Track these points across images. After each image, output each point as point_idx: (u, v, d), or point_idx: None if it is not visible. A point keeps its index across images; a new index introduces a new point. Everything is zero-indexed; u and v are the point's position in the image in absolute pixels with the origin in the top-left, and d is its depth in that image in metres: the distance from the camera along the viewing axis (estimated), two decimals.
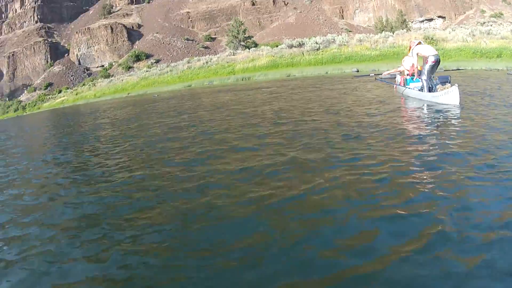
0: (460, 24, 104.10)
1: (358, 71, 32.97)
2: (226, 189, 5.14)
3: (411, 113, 11.15)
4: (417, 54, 13.12)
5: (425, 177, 5.21)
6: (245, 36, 73.63)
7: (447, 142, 6.71)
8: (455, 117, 9.26)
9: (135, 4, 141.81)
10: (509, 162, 5.21)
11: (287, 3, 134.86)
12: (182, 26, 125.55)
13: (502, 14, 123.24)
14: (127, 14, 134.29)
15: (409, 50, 13.49)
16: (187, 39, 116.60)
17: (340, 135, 7.67)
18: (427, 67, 12.61)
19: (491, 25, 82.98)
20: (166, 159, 7.35)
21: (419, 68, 14.07)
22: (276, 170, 5.68)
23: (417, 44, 13.10)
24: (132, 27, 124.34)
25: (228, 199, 4.80)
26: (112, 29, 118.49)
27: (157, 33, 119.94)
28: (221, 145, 7.69)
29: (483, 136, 6.88)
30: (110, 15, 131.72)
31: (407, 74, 15.29)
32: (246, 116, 11.94)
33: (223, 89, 28.98)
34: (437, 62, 12.74)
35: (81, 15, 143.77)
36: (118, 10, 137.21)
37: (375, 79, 20.61)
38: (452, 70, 22.86)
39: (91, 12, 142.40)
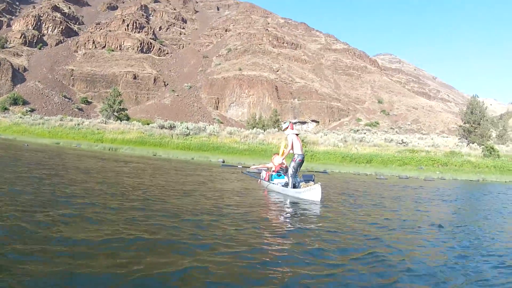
0: (333, 129, 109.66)
1: (224, 161, 33.73)
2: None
3: (272, 203, 11.83)
4: (285, 144, 14.47)
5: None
6: (120, 107, 73.11)
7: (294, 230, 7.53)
8: (313, 212, 10.13)
9: (28, 46, 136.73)
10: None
11: (167, 84, 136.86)
12: (63, 82, 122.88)
13: (378, 123, 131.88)
14: (17, 54, 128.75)
15: (286, 128, 14.23)
16: (65, 96, 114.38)
17: (201, 214, 8.13)
18: (293, 164, 13.54)
19: (365, 133, 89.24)
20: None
21: (284, 165, 15.61)
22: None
23: (294, 132, 13.97)
24: (18, 68, 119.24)
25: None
26: (0, 64, 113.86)
27: (39, 81, 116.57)
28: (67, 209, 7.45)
29: (334, 233, 7.46)
30: (2, 50, 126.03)
31: (273, 171, 15.92)
32: (105, 186, 11.74)
33: (90, 155, 28.43)
34: (302, 161, 13.80)
35: None
36: (11, 47, 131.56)
37: (242, 172, 20.90)
38: (319, 172, 23.93)
39: None
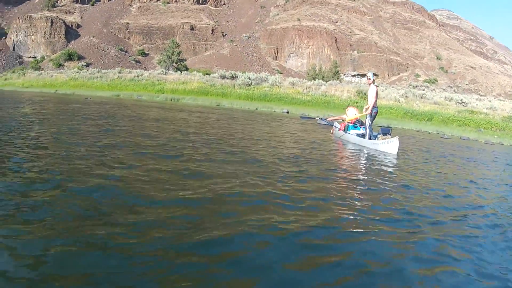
0: (392, 84, 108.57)
1: (288, 112, 33.73)
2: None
3: (352, 153, 12.02)
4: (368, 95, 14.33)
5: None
6: (178, 58, 72.96)
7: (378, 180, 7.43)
8: (392, 162, 10.28)
9: (80, 3, 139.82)
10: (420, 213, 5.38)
11: (225, 34, 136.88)
12: (119, 36, 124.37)
13: (436, 80, 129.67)
14: (69, 11, 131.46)
15: (368, 84, 14.36)
16: (121, 50, 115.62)
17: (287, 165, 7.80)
18: (370, 118, 13.79)
19: (424, 90, 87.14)
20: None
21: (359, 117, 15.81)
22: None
23: (376, 85, 14.20)
24: (72, 25, 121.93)
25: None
26: (52, 22, 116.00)
27: (93, 37, 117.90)
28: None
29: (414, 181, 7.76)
30: (54, 9, 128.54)
31: (348, 122, 16.08)
32: (204, 136, 11.55)
33: (155, 105, 28.76)
34: (376, 114, 14.17)
35: (26, 1, 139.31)
36: (62, 6, 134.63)
37: (317, 122, 21.90)
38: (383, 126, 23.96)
39: (36, 0, 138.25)
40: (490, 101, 64.76)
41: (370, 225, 4.52)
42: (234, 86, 45.74)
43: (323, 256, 3.55)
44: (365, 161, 10.35)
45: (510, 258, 4.10)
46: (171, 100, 39.54)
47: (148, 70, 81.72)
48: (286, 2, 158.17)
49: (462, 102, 49.81)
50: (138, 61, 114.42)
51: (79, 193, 4.44)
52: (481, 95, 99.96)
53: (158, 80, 50.34)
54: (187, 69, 72.96)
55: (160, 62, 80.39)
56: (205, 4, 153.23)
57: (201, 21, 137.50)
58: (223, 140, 10.85)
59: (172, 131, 11.68)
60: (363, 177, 7.74)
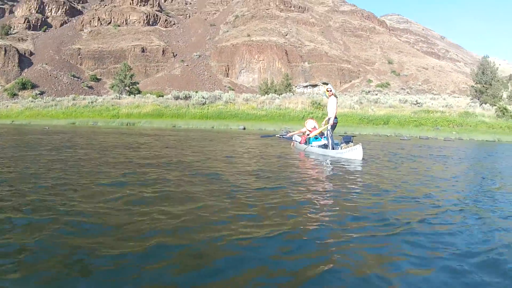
0: (344, 91, 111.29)
1: (244, 128, 34.11)
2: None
3: (317, 163, 12.11)
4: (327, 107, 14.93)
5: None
6: (131, 81, 72.91)
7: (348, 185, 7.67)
8: (359, 168, 10.55)
9: (32, 30, 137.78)
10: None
11: (176, 54, 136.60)
12: (71, 62, 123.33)
13: (389, 84, 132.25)
14: (22, 39, 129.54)
15: (329, 95, 14.84)
16: (74, 76, 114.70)
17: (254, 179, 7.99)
18: (330, 127, 14.40)
19: (376, 94, 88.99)
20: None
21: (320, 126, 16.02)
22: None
23: (333, 95, 14.79)
24: (24, 53, 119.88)
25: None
26: (6, 51, 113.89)
27: (46, 64, 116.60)
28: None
29: (384, 181, 8.22)
30: (7, 37, 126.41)
31: (308, 135, 16.34)
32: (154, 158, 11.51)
33: (113, 131, 28.25)
34: (336, 124, 14.82)
35: None
36: (15, 33, 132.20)
37: (278, 137, 22.19)
38: (343, 135, 24.47)
39: None
40: (444, 99, 66.73)
41: (343, 232, 4.55)
42: (188, 106, 46.06)
43: (299, 268, 3.47)
44: (333, 170, 10.56)
45: (485, 254, 4.12)
46: (127, 125, 39.52)
47: (101, 95, 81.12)
48: (236, 18, 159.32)
49: (417, 103, 51.34)
50: (91, 87, 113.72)
51: (56, 230, 4.30)
52: (435, 94, 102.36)
53: (112, 105, 50.37)
54: (139, 92, 72.77)
55: (113, 87, 79.93)
56: (155, 25, 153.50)
57: (151, 42, 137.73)
58: (187, 161, 10.95)
59: (134, 157, 11.64)
60: (333, 185, 7.92)
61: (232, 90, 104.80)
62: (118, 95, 61.46)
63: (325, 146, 14.91)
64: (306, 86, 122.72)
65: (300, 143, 16.84)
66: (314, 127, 16.54)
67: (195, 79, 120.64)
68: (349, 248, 4.04)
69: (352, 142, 14.24)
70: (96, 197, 5.79)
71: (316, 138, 15.91)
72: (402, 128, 36.12)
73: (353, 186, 7.60)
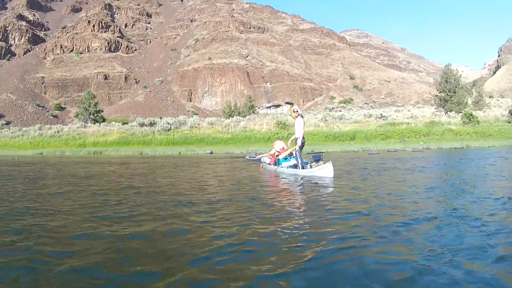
0: (308, 109, 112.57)
1: (211, 152, 33.82)
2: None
3: (289, 183, 12.35)
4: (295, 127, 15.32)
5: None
6: (96, 109, 72.83)
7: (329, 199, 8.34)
8: (331, 185, 10.90)
9: None
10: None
11: (138, 81, 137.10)
12: (35, 91, 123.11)
13: (352, 99, 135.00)
14: None
15: (295, 116, 15.31)
16: (38, 105, 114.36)
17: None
18: (298, 148, 14.78)
19: (340, 110, 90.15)
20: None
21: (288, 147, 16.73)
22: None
23: (299, 116, 15.22)
24: None
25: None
26: None
27: (11, 93, 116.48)
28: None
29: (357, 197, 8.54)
30: None
31: (276, 156, 16.95)
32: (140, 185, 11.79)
33: (82, 161, 27.76)
34: (304, 144, 15.21)
35: None
36: None
37: (247, 159, 22.65)
38: (313, 153, 23.83)
39: None
40: (409, 110, 67.52)
41: (323, 251, 4.65)
42: (154, 132, 45.99)
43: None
44: (306, 188, 10.80)
45: (455, 258, 4.33)
46: (94, 153, 38.99)
47: (66, 124, 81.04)
48: (196, 42, 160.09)
49: (382, 116, 51.78)
50: (56, 116, 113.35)
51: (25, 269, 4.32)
52: (399, 106, 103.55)
53: (78, 134, 50.07)
54: (104, 120, 72.29)
55: (77, 115, 78.83)
56: (117, 51, 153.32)
57: (114, 69, 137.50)
58: (161, 189, 10.98)
59: (106, 189, 11.40)
60: (308, 203, 8.29)
61: (196, 114, 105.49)
62: (83, 123, 61.61)
63: (295, 166, 15.24)
64: (269, 107, 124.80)
65: (269, 164, 17.33)
66: (283, 148, 17.01)
67: (159, 105, 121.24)
68: (330, 259, 4.32)
69: (322, 160, 14.83)
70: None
71: (285, 158, 16.32)
72: (369, 143, 35.85)
73: (326, 204, 7.85)
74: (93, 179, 14.61)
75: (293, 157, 15.81)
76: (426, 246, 4.77)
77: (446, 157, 23.25)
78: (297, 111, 15.37)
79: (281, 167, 15.93)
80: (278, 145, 17.33)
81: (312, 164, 14.68)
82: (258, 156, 20.65)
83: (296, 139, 15.02)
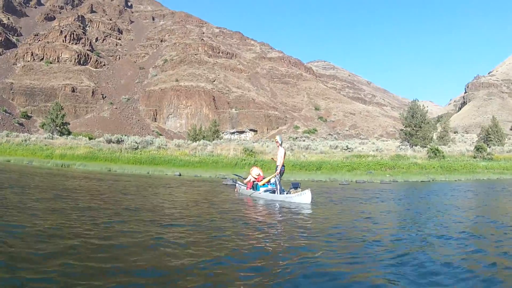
0: (271, 138, 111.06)
1: (180, 174, 33.59)
2: None
3: (269, 207, 13.12)
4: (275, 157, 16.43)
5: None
6: (62, 121, 72.13)
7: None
8: (309, 211, 11.66)
9: None
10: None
11: (105, 96, 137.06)
12: (3, 96, 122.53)
13: (316, 130, 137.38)
14: None
15: (277, 146, 16.40)
16: (5, 111, 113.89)
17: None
18: (279, 175, 15.74)
19: (304, 140, 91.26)
20: None
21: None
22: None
23: (281, 145, 16.28)
24: None
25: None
26: None
27: None
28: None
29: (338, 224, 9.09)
30: None
31: (253, 182, 17.40)
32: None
33: (55, 173, 27.77)
34: (283, 172, 16.30)
35: None
36: None
37: (223, 183, 23.19)
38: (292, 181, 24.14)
39: None
40: (373, 143, 69.96)
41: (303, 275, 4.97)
42: (121, 150, 45.67)
43: None
44: (285, 213, 11.47)
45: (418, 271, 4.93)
46: (62, 166, 37.52)
47: (32, 133, 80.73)
48: (164, 62, 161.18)
49: (348, 148, 53.75)
50: (21, 124, 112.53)
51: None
52: (362, 139, 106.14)
53: (46, 145, 49.73)
54: (70, 133, 71.91)
55: (43, 125, 78.80)
56: (86, 64, 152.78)
57: (82, 82, 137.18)
58: (140, 209, 11.10)
59: (79, 207, 11.27)
60: (283, 229, 8.61)
61: (161, 135, 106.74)
62: (50, 134, 61.75)
63: (273, 192, 15.99)
64: (233, 133, 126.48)
65: (247, 188, 17.63)
66: (259, 174, 17.66)
67: (124, 123, 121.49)
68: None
69: (300, 187, 15.53)
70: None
71: (263, 184, 16.98)
72: (335, 173, 35.64)
73: (304, 230, 8.27)
74: (104, 195, 14.97)
75: (271, 184, 16.76)
76: (393, 264, 5.45)
77: (414, 189, 24.42)
78: (278, 142, 16.55)
79: (259, 192, 16.63)
80: (255, 171, 17.95)
81: (290, 190, 15.42)
82: (242, 182, 19.87)
83: (276, 167, 15.94)
